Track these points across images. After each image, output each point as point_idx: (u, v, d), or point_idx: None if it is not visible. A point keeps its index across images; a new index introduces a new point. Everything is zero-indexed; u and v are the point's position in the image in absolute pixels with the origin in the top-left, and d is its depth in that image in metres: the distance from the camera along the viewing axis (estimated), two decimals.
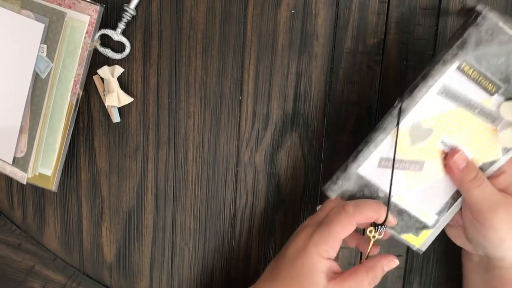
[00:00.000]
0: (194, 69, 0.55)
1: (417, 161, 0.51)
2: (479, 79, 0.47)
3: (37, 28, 0.51)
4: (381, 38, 0.54)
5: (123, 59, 0.55)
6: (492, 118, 0.49)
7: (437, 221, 0.53)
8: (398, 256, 0.60)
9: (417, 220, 0.53)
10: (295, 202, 0.58)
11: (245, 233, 0.59)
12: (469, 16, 0.47)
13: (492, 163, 0.51)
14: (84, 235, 0.61)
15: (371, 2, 0.53)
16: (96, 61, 0.55)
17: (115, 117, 0.56)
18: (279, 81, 0.55)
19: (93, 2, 0.52)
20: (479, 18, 0.45)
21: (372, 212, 0.49)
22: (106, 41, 0.55)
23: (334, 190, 0.51)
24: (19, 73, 0.53)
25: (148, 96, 0.56)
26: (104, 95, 0.55)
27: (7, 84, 0.54)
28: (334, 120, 0.56)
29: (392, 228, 0.53)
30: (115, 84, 0.55)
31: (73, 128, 0.55)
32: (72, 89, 0.53)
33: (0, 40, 0.54)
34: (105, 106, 0.56)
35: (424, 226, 0.53)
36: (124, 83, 0.56)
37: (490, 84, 0.47)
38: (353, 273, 0.49)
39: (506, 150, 0.50)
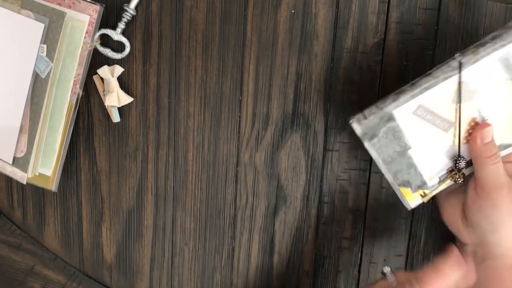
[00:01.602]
0: (194, 69, 0.55)
1: (447, 121, 0.51)
2: (476, 54, 0.48)
3: (37, 28, 0.52)
4: (381, 38, 0.54)
5: (123, 59, 0.55)
6: None
7: (437, 184, 0.53)
8: (398, 256, 0.60)
9: (421, 178, 0.53)
10: (295, 202, 0.58)
11: (245, 233, 0.59)
12: None
13: (507, 146, 0.51)
14: (84, 235, 0.61)
15: (371, 2, 0.53)
16: (96, 61, 0.55)
17: (115, 117, 0.56)
18: (279, 81, 0.55)
19: (93, 2, 0.52)
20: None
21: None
22: (106, 41, 0.55)
23: (361, 125, 0.50)
24: (19, 73, 0.53)
25: (148, 96, 0.56)
26: (104, 95, 0.55)
27: (7, 84, 0.54)
28: (334, 120, 0.56)
29: (394, 178, 0.53)
30: (115, 84, 0.55)
31: (73, 128, 0.55)
32: (72, 89, 0.53)
33: (0, 40, 0.54)
34: (105, 106, 0.56)
35: (423, 185, 0.53)
36: (124, 83, 0.56)
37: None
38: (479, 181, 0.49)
39: None
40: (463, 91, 0.50)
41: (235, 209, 0.59)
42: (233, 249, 0.60)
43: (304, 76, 0.55)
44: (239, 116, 0.56)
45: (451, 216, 0.54)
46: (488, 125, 0.51)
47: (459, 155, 0.52)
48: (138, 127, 0.57)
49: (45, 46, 0.52)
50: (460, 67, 0.49)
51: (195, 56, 0.55)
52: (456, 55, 0.49)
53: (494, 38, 0.48)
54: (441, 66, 0.49)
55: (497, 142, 0.51)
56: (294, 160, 0.57)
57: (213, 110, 0.56)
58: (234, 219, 0.59)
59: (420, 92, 0.50)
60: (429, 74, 0.50)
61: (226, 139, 0.57)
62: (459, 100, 0.50)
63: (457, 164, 0.51)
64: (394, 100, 0.50)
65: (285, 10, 0.54)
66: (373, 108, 0.51)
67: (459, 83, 0.49)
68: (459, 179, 0.52)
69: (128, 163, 0.58)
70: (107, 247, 0.61)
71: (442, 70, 0.49)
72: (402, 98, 0.50)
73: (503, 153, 0.52)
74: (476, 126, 0.51)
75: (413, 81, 0.50)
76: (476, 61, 0.48)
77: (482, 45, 0.48)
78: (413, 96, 0.50)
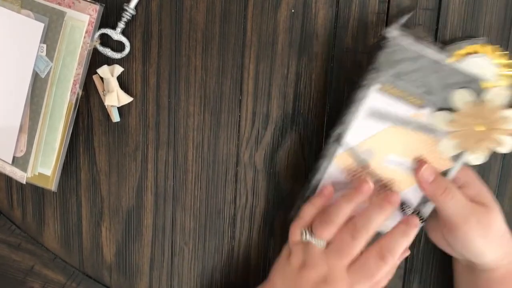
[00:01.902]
0: (194, 69, 0.55)
1: (378, 180, 0.52)
2: (404, 96, 0.48)
3: (37, 28, 0.51)
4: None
5: (122, 58, 0.55)
6: (430, 130, 0.49)
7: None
8: None
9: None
10: (295, 202, 0.58)
11: (245, 233, 0.59)
12: (380, 41, 0.48)
13: (446, 172, 0.50)
14: (84, 235, 0.61)
15: (371, 2, 0.53)
16: (95, 60, 0.55)
17: (115, 117, 0.56)
18: (279, 81, 0.55)
19: (93, 1, 0.52)
20: (387, 42, 0.46)
21: (405, 243, 0.49)
22: (105, 40, 0.55)
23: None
24: (19, 73, 0.53)
25: (147, 95, 0.56)
26: (103, 95, 0.55)
27: (6, 83, 0.54)
28: (334, 119, 0.56)
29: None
30: (114, 84, 0.55)
31: (73, 128, 0.55)
32: (72, 88, 0.53)
33: (0, 40, 0.54)
34: (104, 106, 0.56)
35: None
36: (124, 83, 0.56)
37: (416, 99, 0.48)
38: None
39: (456, 157, 0.49)
40: (358, 156, 0.50)
41: (235, 208, 0.59)
42: (233, 248, 0.60)
43: (304, 76, 0.55)
44: (239, 115, 0.56)
45: (435, 238, 0.55)
46: (424, 163, 0.50)
47: (401, 206, 0.51)
48: (138, 126, 0.57)
49: (44, 45, 0.52)
50: (339, 139, 0.50)
51: (195, 56, 0.55)
52: (332, 131, 0.51)
53: (349, 104, 0.49)
54: (325, 147, 0.51)
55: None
56: (294, 160, 0.57)
57: (213, 110, 0.56)
58: (234, 219, 0.59)
59: (321, 175, 0.52)
60: (320, 156, 0.52)
61: (226, 139, 0.57)
62: (361, 163, 0.50)
63: (405, 213, 0.51)
64: (308, 189, 0.54)
65: (285, 10, 0.54)
66: (299, 200, 0.54)
67: (351, 150, 0.50)
68: (420, 221, 0.51)
69: (128, 163, 0.58)
70: (106, 247, 0.61)
71: (327, 149, 0.51)
72: (312, 186, 0.53)
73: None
74: (416, 169, 0.50)
75: (313, 167, 0.52)
76: (348, 129, 0.49)
77: (345, 113, 0.49)
78: (318, 181, 0.52)
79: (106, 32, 0.54)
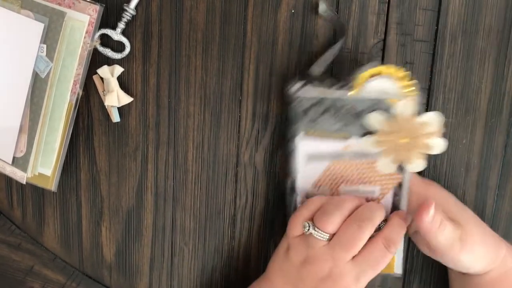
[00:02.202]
0: (194, 69, 0.55)
1: None
2: (327, 135, 0.50)
3: (37, 28, 0.51)
4: (381, 38, 0.54)
5: (123, 58, 0.55)
6: (365, 155, 0.51)
7: None
8: None
9: None
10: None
11: (245, 233, 0.59)
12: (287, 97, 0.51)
13: (400, 184, 0.52)
14: (84, 235, 0.61)
15: (371, 2, 0.53)
16: (96, 60, 0.55)
17: (115, 117, 0.56)
18: (279, 81, 0.55)
19: (93, 1, 0.52)
20: (290, 98, 0.50)
21: (403, 233, 0.50)
22: (106, 40, 0.55)
23: None
24: (19, 73, 0.53)
25: (148, 96, 0.56)
26: (103, 95, 0.55)
27: (6, 83, 0.54)
28: None
29: None
30: (114, 84, 0.55)
31: (73, 128, 0.55)
32: (72, 88, 0.53)
33: (0, 40, 0.53)
34: (104, 106, 0.56)
35: None
36: (124, 83, 0.56)
37: (339, 134, 0.50)
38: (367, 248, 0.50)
39: (400, 170, 0.51)
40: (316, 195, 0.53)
41: (235, 209, 0.59)
42: (233, 249, 0.60)
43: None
44: (239, 116, 0.56)
45: (424, 251, 0.55)
46: (428, 207, 0.49)
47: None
48: (138, 127, 0.57)
49: (45, 46, 0.52)
50: (293, 187, 0.53)
51: (195, 56, 0.55)
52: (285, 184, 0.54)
53: (287, 155, 0.53)
54: (285, 197, 0.55)
55: (390, 191, 0.52)
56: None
57: (213, 110, 0.56)
58: (234, 219, 0.59)
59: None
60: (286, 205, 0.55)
61: (226, 139, 0.57)
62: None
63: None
64: None
65: (285, 10, 0.54)
66: None
67: (307, 194, 0.53)
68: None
69: (128, 163, 0.58)
70: (106, 246, 0.61)
71: (287, 199, 0.54)
72: None
73: (404, 193, 0.52)
74: (417, 215, 0.49)
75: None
76: (297, 176, 0.53)
77: (289, 159, 0.53)
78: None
79: (106, 33, 0.54)
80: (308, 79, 0.50)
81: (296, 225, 0.51)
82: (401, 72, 0.47)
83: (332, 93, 0.48)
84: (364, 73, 0.48)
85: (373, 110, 0.48)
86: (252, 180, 0.58)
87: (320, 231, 0.49)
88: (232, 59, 0.55)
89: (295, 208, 0.53)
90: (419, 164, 0.50)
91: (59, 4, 0.52)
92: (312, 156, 0.52)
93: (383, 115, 0.48)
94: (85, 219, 0.60)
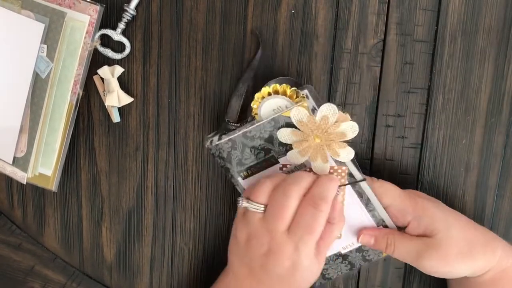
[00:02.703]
0: (194, 69, 0.55)
1: None
2: (260, 168, 0.52)
3: (37, 28, 0.52)
4: (381, 38, 0.54)
5: (123, 59, 0.55)
6: (300, 166, 0.52)
7: (383, 224, 0.54)
8: None
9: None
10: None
11: None
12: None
13: (350, 173, 0.52)
14: (84, 235, 0.61)
15: (371, 2, 0.53)
16: (96, 61, 0.55)
17: (115, 117, 0.56)
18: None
19: (93, 2, 0.52)
20: (210, 151, 0.53)
21: (335, 191, 0.49)
22: (106, 41, 0.55)
23: None
24: (19, 73, 0.53)
25: (148, 96, 0.56)
26: (104, 95, 0.55)
27: (7, 84, 0.54)
28: None
29: (369, 256, 0.55)
30: (115, 84, 0.55)
31: (73, 128, 0.55)
32: (72, 89, 0.54)
33: (0, 40, 0.54)
34: (105, 106, 0.56)
35: None
36: (124, 83, 0.56)
37: (268, 161, 0.52)
38: (327, 238, 0.50)
39: (339, 162, 0.51)
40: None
41: (234, 209, 0.59)
42: None
43: (304, 76, 0.55)
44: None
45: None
46: (361, 233, 0.53)
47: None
48: (138, 127, 0.57)
49: (45, 46, 0.52)
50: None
51: (195, 56, 0.55)
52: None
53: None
54: None
55: (341, 181, 0.52)
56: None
57: (213, 110, 0.56)
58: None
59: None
60: None
61: None
62: None
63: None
64: None
65: (285, 10, 0.54)
66: None
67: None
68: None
69: (128, 163, 0.58)
70: (107, 247, 0.61)
71: None
72: None
73: (357, 176, 0.52)
74: (357, 238, 0.53)
75: None
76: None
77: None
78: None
79: (106, 33, 0.54)
80: (223, 129, 0.53)
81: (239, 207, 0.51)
82: (291, 89, 0.50)
83: (238, 131, 0.51)
84: (253, 102, 0.50)
85: (277, 128, 0.50)
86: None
87: (253, 203, 0.49)
88: (232, 59, 0.55)
89: None
90: (348, 152, 0.50)
91: (60, 5, 0.52)
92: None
93: (288, 129, 0.50)
94: (86, 219, 0.60)
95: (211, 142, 0.52)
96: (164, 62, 0.55)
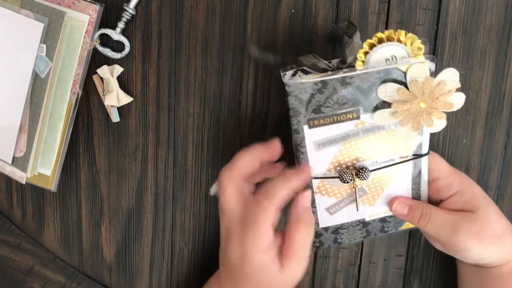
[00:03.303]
0: (194, 69, 0.55)
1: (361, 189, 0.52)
2: (335, 119, 0.47)
3: (37, 28, 0.51)
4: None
5: (122, 58, 0.55)
6: (379, 127, 0.48)
7: (420, 199, 0.54)
8: (398, 256, 0.60)
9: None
10: None
11: None
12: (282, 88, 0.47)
13: (420, 146, 0.50)
14: (84, 235, 0.61)
15: (371, 2, 0.53)
16: (95, 60, 0.55)
17: (115, 117, 0.56)
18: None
19: (92, 1, 0.52)
20: (288, 88, 0.45)
21: (285, 191, 0.48)
22: (105, 40, 0.55)
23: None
24: (19, 73, 0.53)
25: (147, 95, 0.56)
26: (103, 95, 0.55)
27: (6, 83, 0.54)
28: None
29: (388, 228, 0.54)
30: (114, 84, 0.55)
31: (73, 128, 0.55)
32: (72, 88, 0.53)
33: (0, 40, 0.53)
34: (104, 106, 0.56)
35: None
36: (124, 83, 0.56)
37: (348, 114, 0.47)
38: (290, 237, 0.48)
39: (420, 132, 0.48)
40: (331, 180, 0.50)
41: None
42: None
43: None
44: (239, 116, 0.56)
45: (441, 249, 0.55)
46: (395, 200, 0.52)
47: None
48: (137, 127, 0.57)
49: (44, 45, 0.52)
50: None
51: (195, 56, 0.55)
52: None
53: (295, 148, 0.49)
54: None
55: (409, 156, 0.50)
56: (293, 160, 0.57)
57: (213, 110, 0.56)
58: None
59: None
60: None
61: (225, 139, 0.57)
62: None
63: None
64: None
65: (285, 10, 0.54)
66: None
67: (323, 180, 0.50)
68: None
69: (128, 163, 0.58)
70: (106, 247, 0.61)
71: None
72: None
73: (424, 164, 0.50)
74: (389, 205, 0.52)
75: None
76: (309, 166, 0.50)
77: (297, 158, 0.49)
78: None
79: (106, 32, 0.54)
80: (298, 64, 0.47)
81: None
82: (407, 35, 0.44)
83: (336, 74, 0.44)
84: (364, 45, 0.44)
85: (383, 82, 0.45)
86: None
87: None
88: (232, 59, 0.55)
89: (313, 199, 0.52)
90: (441, 124, 0.47)
91: (59, 4, 0.52)
92: (322, 143, 0.48)
93: (396, 85, 0.44)
94: (85, 219, 0.60)
95: (287, 75, 0.46)
96: (164, 61, 0.55)
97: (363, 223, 0.54)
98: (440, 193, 0.52)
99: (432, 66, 0.45)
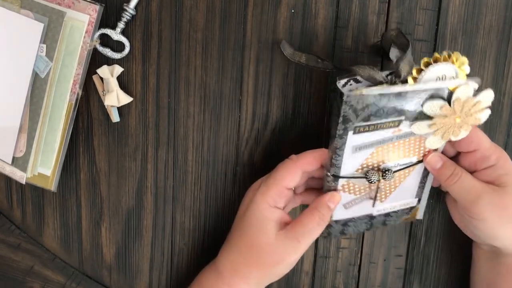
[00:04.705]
0: (193, 69, 0.55)
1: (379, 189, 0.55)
2: (379, 127, 0.49)
3: (37, 28, 0.51)
4: (381, 38, 0.54)
5: (122, 58, 0.55)
6: (411, 134, 0.51)
7: (420, 197, 0.56)
8: (398, 256, 0.60)
9: (404, 210, 0.57)
10: None
11: None
12: (337, 93, 0.49)
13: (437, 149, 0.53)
14: (84, 235, 0.61)
15: (371, 2, 0.53)
16: (95, 60, 0.55)
17: (115, 117, 0.56)
18: (279, 81, 0.55)
19: (92, 1, 0.52)
20: (345, 97, 0.46)
21: (315, 156, 0.50)
22: (105, 40, 0.55)
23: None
24: (19, 73, 0.53)
25: (147, 95, 0.56)
26: (103, 95, 0.55)
27: (6, 83, 0.54)
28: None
29: (389, 221, 0.57)
30: (114, 84, 0.55)
31: (73, 128, 0.55)
32: (72, 88, 0.53)
33: (0, 40, 0.54)
34: (104, 106, 0.56)
35: (412, 208, 0.57)
36: (124, 83, 0.56)
37: (391, 123, 0.49)
38: (300, 218, 0.50)
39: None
40: (357, 181, 0.53)
41: (234, 209, 0.59)
42: None
43: (304, 76, 0.55)
44: (239, 115, 0.56)
45: (459, 223, 0.55)
46: (430, 152, 0.52)
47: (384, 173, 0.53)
48: (137, 127, 0.57)
49: (44, 45, 0.52)
50: (336, 177, 0.52)
51: (195, 56, 0.55)
52: (326, 173, 0.52)
53: (332, 150, 0.50)
54: (326, 186, 0.53)
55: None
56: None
57: (213, 110, 0.56)
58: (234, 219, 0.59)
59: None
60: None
61: (226, 139, 0.57)
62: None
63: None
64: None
65: (285, 10, 0.54)
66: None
67: (349, 179, 0.53)
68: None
69: (128, 163, 0.58)
70: (106, 247, 0.61)
71: (328, 187, 0.53)
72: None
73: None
74: (424, 157, 0.53)
75: None
76: (341, 167, 0.51)
77: (330, 158, 0.51)
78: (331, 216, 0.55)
79: (106, 32, 0.54)
80: (351, 73, 0.49)
81: None
82: (460, 57, 0.47)
83: (392, 89, 0.46)
84: (422, 62, 0.47)
85: (430, 97, 0.47)
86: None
87: None
88: (232, 59, 0.55)
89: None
90: (465, 134, 0.50)
91: (59, 4, 0.52)
92: (359, 147, 0.51)
93: (441, 101, 0.47)
94: (85, 219, 0.60)
95: (338, 85, 0.48)
96: (164, 61, 0.55)
97: (370, 217, 0.56)
98: (475, 164, 0.52)
99: (475, 86, 0.47)
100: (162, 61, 0.55)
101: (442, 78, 0.47)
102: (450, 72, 0.47)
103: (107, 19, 0.54)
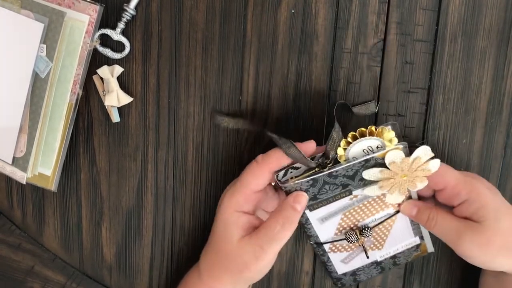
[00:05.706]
0: (194, 69, 0.55)
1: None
2: (331, 200, 0.52)
3: (37, 28, 0.51)
4: (381, 38, 0.54)
5: (122, 58, 0.55)
6: (368, 196, 0.53)
7: (420, 235, 0.57)
8: None
9: (410, 249, 0.58)
10: None
11: None
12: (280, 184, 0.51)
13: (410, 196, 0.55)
14: (84, 235, 0.61)
15: (371, 2, 0.53)
16: (95, 60, 0.55)
17: (115, 117, 0.56)
18: (279, 81, 0.55)
19: (92, 1, 0.52)
20: (283, 187, 0.50)
21: (277, 156, 0.49)
22: (105, 40, 0.55)
23: None
24: (19, 73, 0.53)
25: (147, 96, 0.56)
26: (103, 95, 0.55)
27: (6, 84, 0.54)
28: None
29: (399, 261, 0.58)
30: (114, 84, 0.55)
31: (73, 128, 0.55)
32: (72, 88, 0.53)
33: (0, 40, 0.53)
34: (104, 106, 0.56)
35: (417, 245, 0.58)
36: (124, 83, 0.56)
37: (341, 194, 0.52)
38: (265, 223, 0.50)
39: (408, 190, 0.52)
40: (340, 243, 0.57)
41: None
42: None
43: (304, 76, 0.55)
44: (239, 116, 0.56)
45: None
46: (402, 203, 0.54)
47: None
48: (137, 127, 0.57)
49: (44, 46, 0.52)
50: (318, 244, 0.57)
51: (195, 56, 0.55)
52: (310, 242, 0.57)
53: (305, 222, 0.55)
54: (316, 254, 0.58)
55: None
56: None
57: (213, 110, 0.56)
58: None
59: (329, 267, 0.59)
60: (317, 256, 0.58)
61: (225, 139, 0.57)
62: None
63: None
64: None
65: (285, 10, 0.54)
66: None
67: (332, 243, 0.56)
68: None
69: (128, 163, 0.58)
70: (107, 247, 0.61)
71: (318, 255, 0.58)
72: (327, 274, 0.60)
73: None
74: (399, 205, 0.54)
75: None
76: (318, 235, 0.56)
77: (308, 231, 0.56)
78: (329, 272, 0.59)
79: (106, 33, 0.54)
80: (274, 142, 0.51)
81: None
82: (386, 132, 0.48)
83: (323, 172, 0.49)
84: (341, 144, 0.49)
85: (365, 168, 0.49)
86: None
87: None
88: (232, 59, 0.55)
89: (328, 257, 0.58)
90: (423, 184, 0.51)
91: (59, 4, 0.52)
92: (324, 218, 0.54)
93: (377, 168, 0.49)
94: (85, 219, 0.60)
95: (277, 177, 0.50)
96: (164, 61, 0.55)
97: (376, 263, 0.58)
98: (449, 201, 0.52)
99: (405, 150, 0.49)
100: (162, 61, 0.55)
101: (368, 150, 0.49)
102: (375, 143, 0.49)
103: (107, 19, 0.54)
